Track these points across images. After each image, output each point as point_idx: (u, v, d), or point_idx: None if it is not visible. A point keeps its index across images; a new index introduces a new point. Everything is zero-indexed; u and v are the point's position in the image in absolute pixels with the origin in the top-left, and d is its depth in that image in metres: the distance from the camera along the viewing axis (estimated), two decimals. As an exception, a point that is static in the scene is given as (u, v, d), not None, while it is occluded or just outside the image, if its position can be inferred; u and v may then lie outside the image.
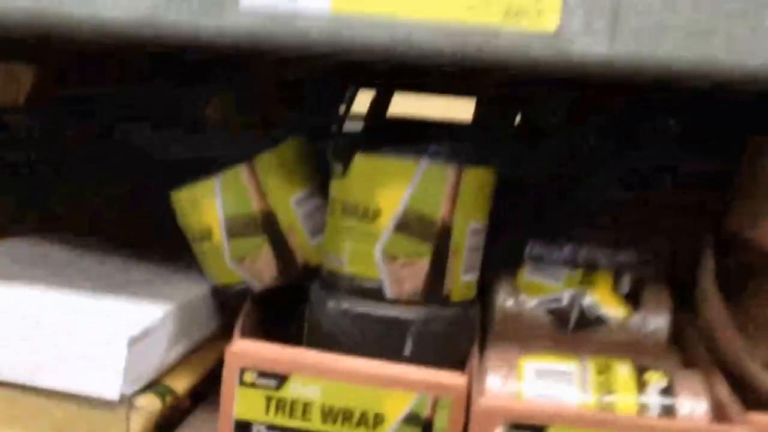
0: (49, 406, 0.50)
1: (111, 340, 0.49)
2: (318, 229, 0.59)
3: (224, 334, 0.63)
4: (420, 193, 0.53)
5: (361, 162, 0.54)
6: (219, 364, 0.61)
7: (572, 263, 0.63)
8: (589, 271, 0.60)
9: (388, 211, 0.53)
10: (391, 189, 0.53)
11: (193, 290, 0.60)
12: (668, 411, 0.49)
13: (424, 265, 0.53)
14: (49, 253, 0.66)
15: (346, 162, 0.54)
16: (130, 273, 0.63)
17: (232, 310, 0.64)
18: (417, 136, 0.61)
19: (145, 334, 0.51)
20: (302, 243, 0.59)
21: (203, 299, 0.61)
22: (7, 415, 0.51)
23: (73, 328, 0.50)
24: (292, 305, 0.61)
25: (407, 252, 0.53)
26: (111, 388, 0.49)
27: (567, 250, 0.63)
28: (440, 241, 0.53)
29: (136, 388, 0.51)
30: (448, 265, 0.54)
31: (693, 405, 0.49)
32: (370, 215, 0.53)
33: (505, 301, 0.59)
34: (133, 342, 0.50)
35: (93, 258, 0.66)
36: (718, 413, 0.50)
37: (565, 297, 0.58)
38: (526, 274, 0.60)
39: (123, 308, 0.54)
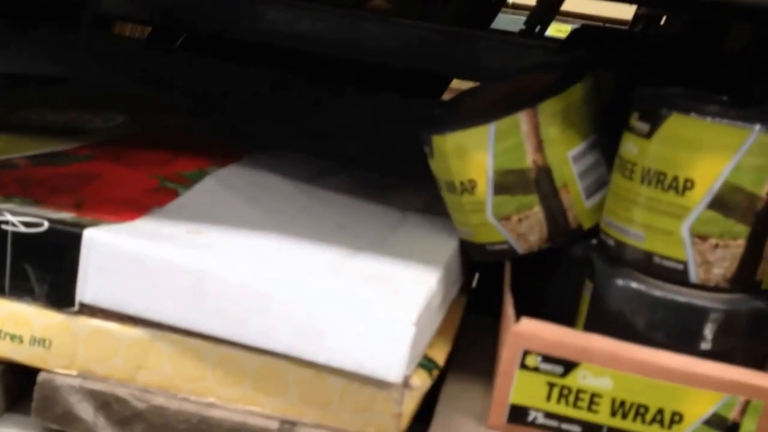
0: (314, 378, 0.46)
1: (395, 321, 0.44)
2: (594, 189, 0.53)
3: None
4: (746, 165, 0.45)
5: (676, 124, 0.46)
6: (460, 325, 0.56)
7: None
8: None
9: (703, 184, 0.46)
10: (710, 158, 0.46)
11: (449, 246, 0.54)
12: None
13: (738, 247, 0.46)
14: (282, 188, 0.61)
15: (655, 121, 0.47)
16: (375, 217, 0.58)
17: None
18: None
19: (426, 309, 0.46)
20: (576, 203, 0.52)
21: (457, 256, 0.55)
22: (269, 384, 0.46)
23: (348, 300, 0.45)
24: (547, 266, 0.55)
25: (721, 232, 0.46)
26: (393, 371, 0.44)
27: None
28: (760, 220, 0.46)
29: (413, 367, 0.46)
30: (765, 249, 0.47)
31: None
32: (680, 187, 0.46)
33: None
34: (418, 322, 0.44)
35: (332, 195, 0.61)
36: None
37: None
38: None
39: (395, 277, 0.48)
